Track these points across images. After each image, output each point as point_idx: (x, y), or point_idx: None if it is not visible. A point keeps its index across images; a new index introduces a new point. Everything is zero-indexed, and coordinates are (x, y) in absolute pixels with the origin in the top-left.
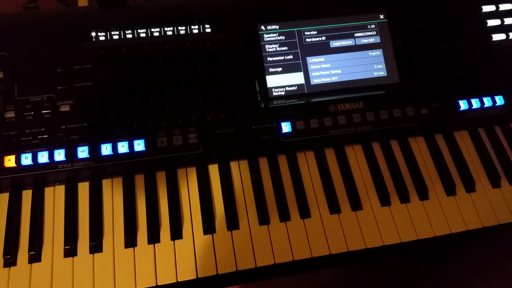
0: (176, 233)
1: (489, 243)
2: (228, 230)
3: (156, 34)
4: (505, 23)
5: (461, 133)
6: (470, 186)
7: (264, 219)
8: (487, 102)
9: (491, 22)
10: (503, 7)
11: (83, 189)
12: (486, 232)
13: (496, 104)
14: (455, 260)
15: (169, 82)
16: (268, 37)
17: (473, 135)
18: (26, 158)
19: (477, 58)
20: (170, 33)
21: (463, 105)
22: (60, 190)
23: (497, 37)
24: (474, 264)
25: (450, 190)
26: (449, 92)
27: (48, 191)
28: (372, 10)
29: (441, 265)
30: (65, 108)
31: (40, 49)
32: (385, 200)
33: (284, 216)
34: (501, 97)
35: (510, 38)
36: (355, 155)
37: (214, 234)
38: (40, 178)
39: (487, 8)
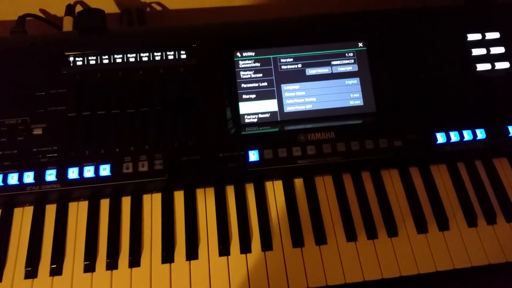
0: (134, 261)
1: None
2: (187, 259)
3: (132, 59)
4: (491, 53)
5: (439, 167)
6: (443, 224)
7: (224, 249)
8: (467, 135)
9: (476, 51)
10: (490, 35)
11: (51, 211)
12: (458, 274)
13: (477, 138)
14: None
15: (140, 107)
16: (243, 64)
17: (451, 169)
18: None
19: (459, 89)
20: (145, 59)
21: (440, 138)
22: (29, 211)
23: (482, 67)
24: None
25: (421, 227)
26: (426, 124)
27: (17, 212)
28: (351, 38)
29: None
30: (38, 131)
31: (20, 73)
32: (351, 236)
33: (245, 248)
34: (482, 130)
35: (496, 68)
36: (325, 187)
37: (172, 264)
38: (9, 199)
39: (473, 37)
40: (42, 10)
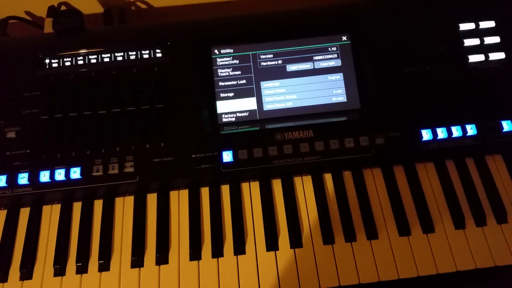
0: (104, 266)
1: None
2: (156, 264)
3: (106, 59)
4: (485, 43)
5: (426, 165)
6: (427, 226)
7: (195, 254)
8: (457, 131)
9: (469, 42)
10: (484, 24)
11: (24, 214)
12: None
13: (467, 134)
14: None
15: (112, 108)
16: (221, 61)
17: (439, 168)
18: None
19: (449, 82)
20: (120, 58)
21: (426, 135)
22: (2, 214)
23: (475, 58)
24: None
25: (403, 230)
26: (411, 120)
27: None
28: (334, 32)
29: None
30: (11, 134)
31: None
32: (328, 239)
33: (216, 252)
34: (473, 126)
35: (490, 59)
36: (303, 186)
37: (141, 268)
38: None
39: (465, 26)
40: (27, 12)
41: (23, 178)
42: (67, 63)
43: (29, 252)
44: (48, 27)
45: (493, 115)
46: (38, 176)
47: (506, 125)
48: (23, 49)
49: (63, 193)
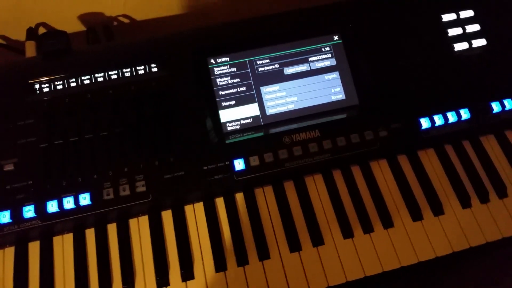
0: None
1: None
2: (183, 281)
3: (100, 79)
4: (467, 31)
5: (427, 151)
6: (437, 209)
7: (221, 265)
8: (452, 117)
9: (452, 31)
10: (464, 14)
11: (34, 248)
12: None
13: (462, 118)
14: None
15: (114, 128)
16: (218, 70)
17: (439, 153)
18: None
19: (439, 71)
20: (114, 77)
21: (425, 123)
22: (10, 251)
23: (460, 46)
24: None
25: (415, 215)
26: (409, 111)
27: None
28: (325, 32)
29: None
30: (9, 167)
31: None
32: (347, 232)
33: (242, 260)
34: (466, 110)
35: (473, 46)
36: (316, 186)
37: (168, 287)
38: None
39: (447, 17)
40: (2, 36)
41: (29, 211)
42: (59, 87)
43: (48, 286)
44: (30, 51)
45: (483, 98)
46: (45, 207)
47: (495, 106)
48: (9, 75)
49: (74, 222)
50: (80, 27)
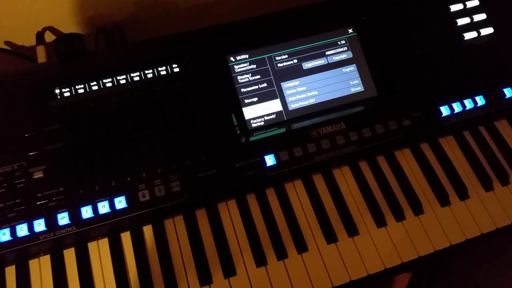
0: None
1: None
2: (225, 278)
3: (123, 81)
4: (474, 20)
5: (447, 138)
6: (463, 194)
7: (261, 260)
8: (469, 104)
9: (461, 21)
10: (470, 4)
11: (70, 256)
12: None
13: (478, 105)
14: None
15: (143, 131)
16: (238, 68)
17: (459, 139)
18: (4, 234)
19: (452, 60)
20: (137, 78)
21: (445, 111)
22: (46, 260)
23: (469, 35)
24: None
25: (443, 200)
26: (429, 99)
27: (33, 263)
28: (340, 26)
29: (442, 267)
30: (38, 174)
31: (3, 115)
32: (380, 221)
33: (281, 254)
34: (481, 97)
35: (481, 35)
36: (344, 177)
37: (211, 285)
38: (22, 252)
39: (455, 7)
40: (7, 42)
41: (63, 218)
42: (81, 90)
43: None
44: (41, 56)
45: (495, 84)
46: (79, 213)
47: (507, 92)
48: (29, 81)
49: (110, 226)
50: (84, 30)
